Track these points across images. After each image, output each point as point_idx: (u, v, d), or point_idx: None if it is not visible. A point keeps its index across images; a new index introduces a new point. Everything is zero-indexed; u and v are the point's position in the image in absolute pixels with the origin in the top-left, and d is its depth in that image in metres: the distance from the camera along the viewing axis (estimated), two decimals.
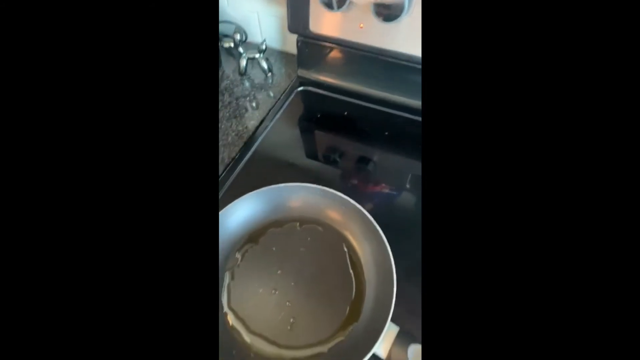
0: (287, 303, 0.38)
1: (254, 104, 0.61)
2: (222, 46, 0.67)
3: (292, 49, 0.64)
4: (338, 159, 0.53)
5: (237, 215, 0.42)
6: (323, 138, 0.59)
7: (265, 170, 0.50)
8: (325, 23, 0.51)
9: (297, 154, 0.54)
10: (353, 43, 0.51)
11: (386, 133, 0.57)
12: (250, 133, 0.56)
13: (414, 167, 0.52)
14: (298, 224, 0.44)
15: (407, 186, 0.50)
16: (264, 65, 0.63)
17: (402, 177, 0.51)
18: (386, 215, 0.41)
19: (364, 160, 0.54)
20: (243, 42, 0.65)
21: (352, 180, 0.50)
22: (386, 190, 0.48)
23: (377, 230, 0.39)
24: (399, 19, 0.45)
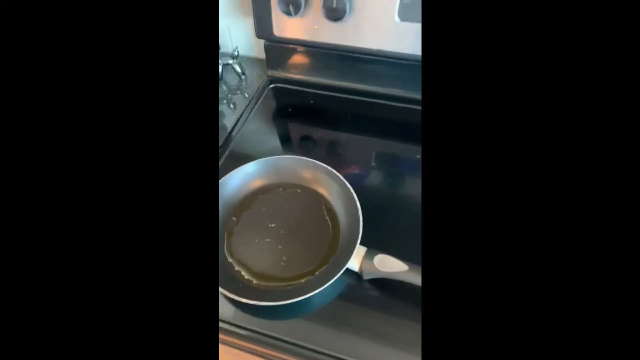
0: (279, 247, 0.47)
1: (231, 106, 0.71)
2: None
3: (261, 54, 0.75)
4: (312, 147, 0.63)
5: (230, 186, 0.51)
6: (296, 129, 0.69)
7: (243, 163, 0.54)
8: (286, 27, 0.62)
9: (274, 146, 0.63)
10: (311, 42, 0.62)
11: (349, 118, 0.68)
12: (228, 131, 0.64)
13: (377, 145, 0.63)
14: (281, 189, 0.53)
15: (373, 164, 0.60)
16: (238, 69, 0.73)
17: (368, 156, 0.61)
18: (361, 193, 0.48)
19: (333, 145, 0.64)
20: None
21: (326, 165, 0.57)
22: (357, 171, 0.56)
23: (343, 181, 0.49)
24: (344, 19, 0.56)
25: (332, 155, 0.62)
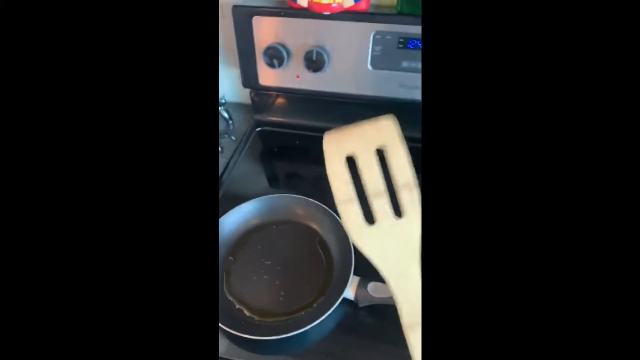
0: (276, 282, 0.50)
1: (220, 149, 0.75)
2: None
3: (246, 100, 0.80)
4: (302, 185, 0.67)
5: (227, 226, 0.54)
6: (284, 168, 0.73)
7: (236, 203, 0.58)
8: (271, 77, 0.68)
9: (264, 186, 0.67)
10: (293, 89, 0.68)
11: None
12: (219, 174, 0.67)
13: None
14: (274, 226, 0.56)
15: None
16: (225, 114, 0.78)
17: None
18: None
19: (319, 180, 0.68)
20: None
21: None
22: None
23: (333, 215, 0.53)
24: (323, 69, 0.63)
25: (322, 192, 0.66)
